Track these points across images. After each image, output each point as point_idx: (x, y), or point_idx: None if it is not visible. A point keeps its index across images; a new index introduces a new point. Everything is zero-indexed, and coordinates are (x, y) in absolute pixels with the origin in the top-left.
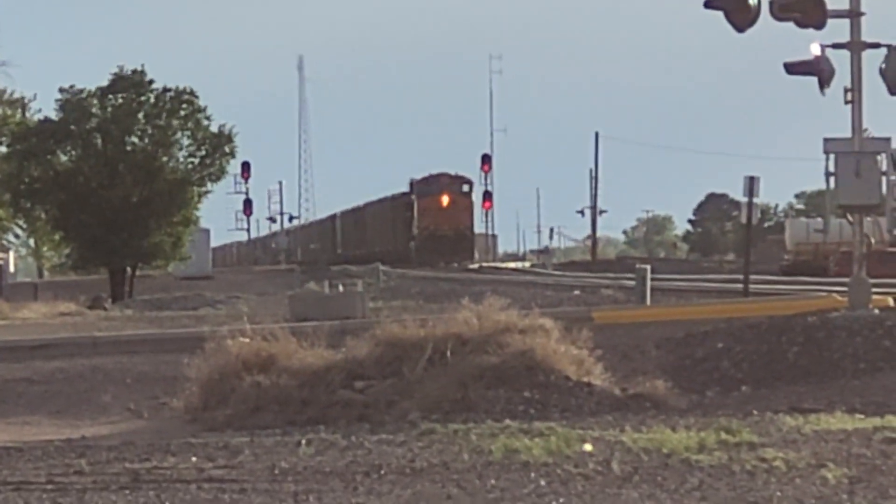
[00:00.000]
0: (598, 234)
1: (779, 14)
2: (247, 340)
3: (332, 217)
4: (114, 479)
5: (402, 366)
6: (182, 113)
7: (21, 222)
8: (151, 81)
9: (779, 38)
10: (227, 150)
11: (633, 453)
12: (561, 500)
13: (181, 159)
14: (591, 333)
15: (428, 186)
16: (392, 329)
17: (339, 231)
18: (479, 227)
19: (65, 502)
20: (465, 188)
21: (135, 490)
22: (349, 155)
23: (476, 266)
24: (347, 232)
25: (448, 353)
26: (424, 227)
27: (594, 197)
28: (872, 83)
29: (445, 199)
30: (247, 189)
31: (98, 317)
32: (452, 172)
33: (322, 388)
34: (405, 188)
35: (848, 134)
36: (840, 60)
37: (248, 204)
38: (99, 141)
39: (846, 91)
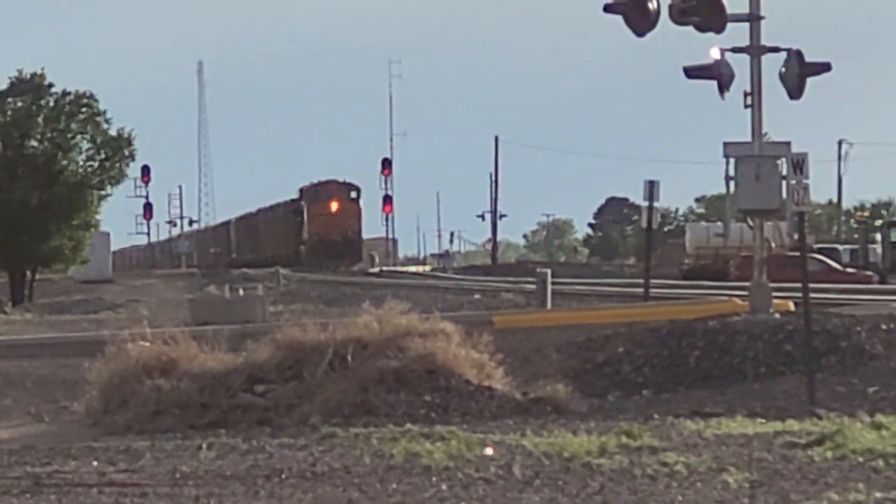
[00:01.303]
0: (499, 238)
1: (678, 18)
2: (147, 344)
3: (227, 223)
4: (15, 482)
5: (303, 369)
6: (81, 116)
7: None
8: (51, 85)
9: (679, 42)
10: (126, 153)
11: (535, 457)
12: None
13: (81, 163)
14: (492, 337)
15: (317, 193)
16: (292, 333)
17: (234, 236)
18: (379, 231)
19: None
20: (353, 194)
21: (36, 494)
22: (250, 159)
23: (376, 270)
24: (241, 237)
25: (349, 357)
26: (314, 233)
27: (494, 201)
28: (772, 87)
29: (334, 206)
30: (147, 193)
31: None
32: (341, 179)
33: (223, 392)
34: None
35: (748, 138)
36: (740, 64)
37: (147, 208)
38: None
39: (746, 95)
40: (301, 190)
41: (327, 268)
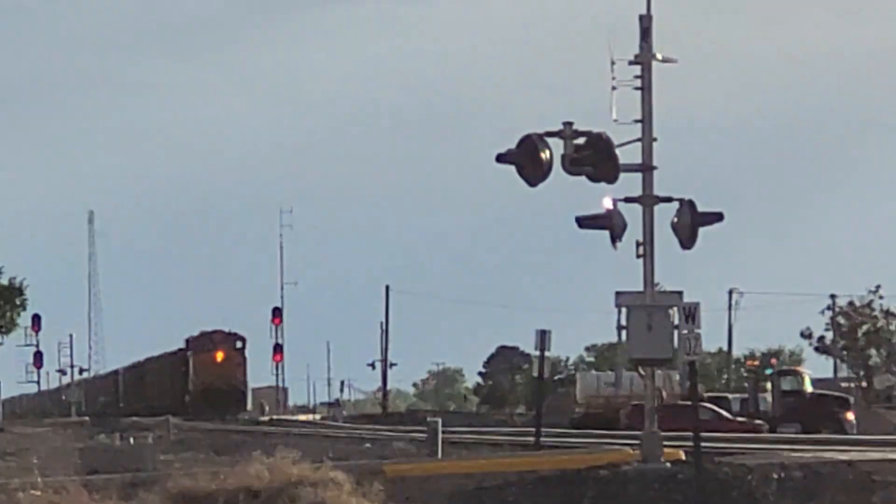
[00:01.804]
0: (389, 386)
1: (570, 168)
2: (38, 493)
3: (116, 372)
4: None
5: None
6: None
7: None
8: None
9: (573, 192)
10: (17, 302)
11: None
12: None
13: None
14: (383, 487)
15: (202, 343)
16: (183, 482)
17: (122, 385)
18: (269, 380)
19: None
20: (238, 344)
21: None
22: (141, 307)
23: (267, 418)
24: (129, 386)
25: None
26: (199, 382)
27: (385, 350)
28: (665, 237)
29: (219, 355)
30: (37, 341)
31: None
32: (227, 330)
33: None
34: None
35: (640, 287)
36: (633, 214)
37: (38, 356)
38: None
39: (638, 245)
40: (187, 340)
41: (213, 416)
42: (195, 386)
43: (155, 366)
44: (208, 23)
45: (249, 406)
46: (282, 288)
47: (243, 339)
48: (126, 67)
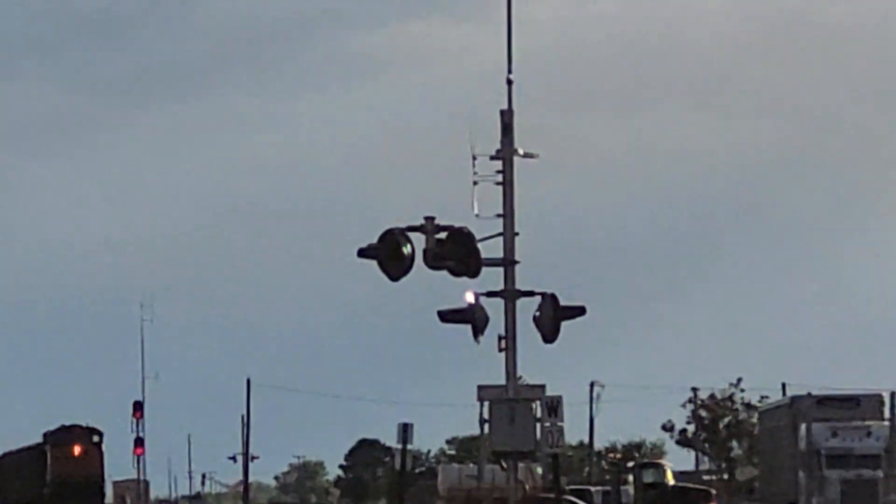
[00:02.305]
0: (251, 479)
1: (433, 262)
2: None
3: None
4: None
5: None
6: None
7: None
8: None
9: (435, 285)
10: None
11: None
12: None
13: None
14: None
15: (60, 437)
16: None
17: None
18: (130, 473)
19: None
20: (96, 438)
21: None
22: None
23: None
24: None
25: None
26: (57, 475)
27: (246, 443)
28: (527, 331)
29: (77, 449)
30: None
31: None
32: (84, 424)
33: None
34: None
35: (502, 381)
36: (495, 308)
37: None
38: None
39: (500, 339)
40: (45, 434)
41: None
42: (53, 479)
43: (13, 460)
44: (62, 119)
45: (109, 499)
46: (143, 381)
47: (100, 434)
48: None
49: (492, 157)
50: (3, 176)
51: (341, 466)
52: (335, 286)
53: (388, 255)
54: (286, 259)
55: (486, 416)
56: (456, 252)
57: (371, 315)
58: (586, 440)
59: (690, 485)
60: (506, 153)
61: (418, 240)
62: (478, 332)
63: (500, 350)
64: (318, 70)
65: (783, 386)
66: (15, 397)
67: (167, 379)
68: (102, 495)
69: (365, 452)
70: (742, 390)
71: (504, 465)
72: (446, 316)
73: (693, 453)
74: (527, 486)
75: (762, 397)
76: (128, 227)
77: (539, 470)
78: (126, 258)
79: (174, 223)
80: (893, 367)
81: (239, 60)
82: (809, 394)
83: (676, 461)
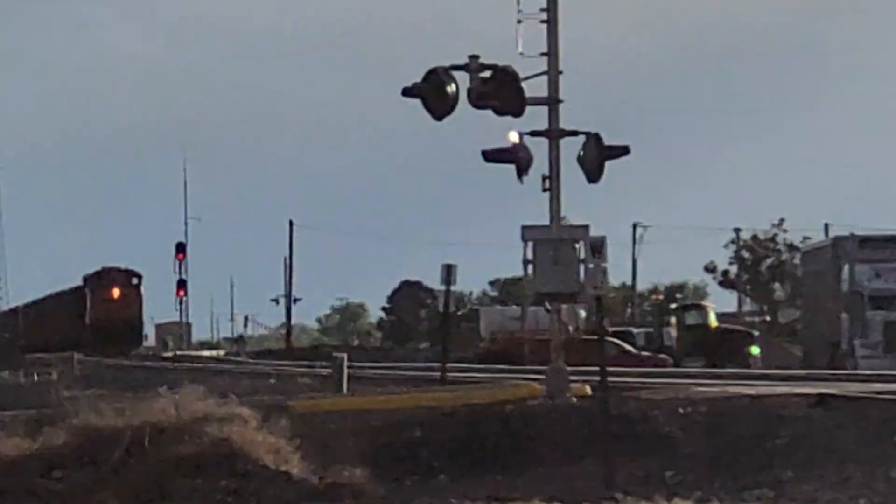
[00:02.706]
0: (293, 321)
1: (477, 102)
2: None
3: (14, 310)
4: None
5: (99, 455)
6: None
7: None
8: None
9: (478, 125)
10: None
11: None
12: None
13: None
14: (289, 422)
15: (99, 280)
16: (88, 418)
17: (21, 322)
18: (173, 315)
19: None
20: (135, 281)
21: None
22: (44, 243)
23: (170, 354)
24: (28, 323)
25: (146, 443)
26: (96, 318)
27: (289, 285)
28: (571, 171)
29: (115, 292)
30: None
31: None
32: (122, 267)
33: (19, 478)
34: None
35: (546, 221)
36: (539, 148)
37: None
38: None
39: (544, 178)
40: (85, 277)
41: (110, 352)
42: (93, 322)
43: (53, 303)
44: None
45: (152, 341)
46: (185, 223)
47: (139, 276)
48: (13, 4)
49: None
50: (42, 14)
51: (383, 308)
52: (380, 126)
53: (433, 93)
54: (331, 98)
55: (529, 256)
56: (500, 91)
57: (415, 155)
58: (629, 282)
59: (733, 326)
60: None
61: (463, 79)
62: (522, 171)
63: (544, 190)
64: None
65: (826, 226)
66: (58, 241)
67: (210, 221)
68: (140, 336)
69: (407, 294)
70: (785, 231)
71: (547, 306)
72: (490, 155)
73: (735, 295)
74: (570, 328)
75: (805, 238)
76: (169, 66)
77: (582, 311)
78: (169, 98)
79: (217, 62)
80: None
81: None
82: (852, 234)
83: (719, 302)
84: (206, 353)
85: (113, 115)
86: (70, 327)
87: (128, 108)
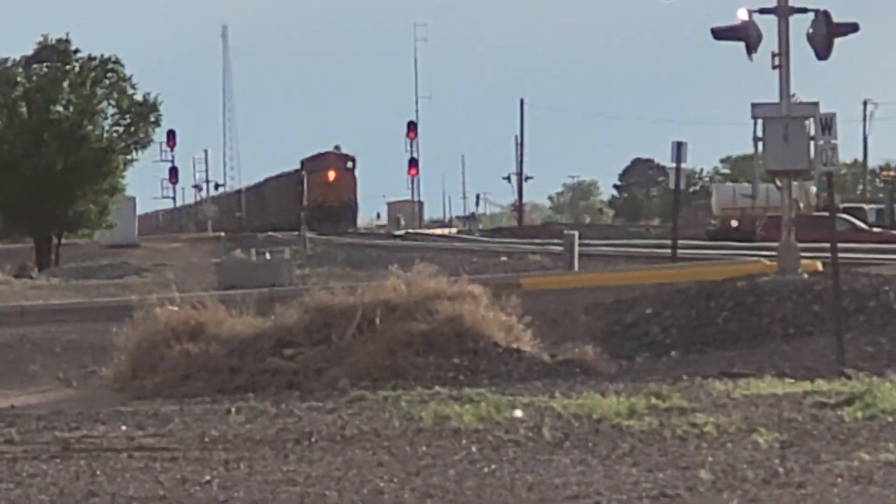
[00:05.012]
0: (525, 200)
1: None
2: (175, 309)
3: (238, 191)
4: (44, 448)
5: (331, 333)
6: (107, 82)
7: None
8: (77, 51)
9: (706, 2)
10: (152, 118)
11: (564, 419)
12: (492, 467)
13: (106, 128)
14: (520, 300)
15: (316, 164)
16: (321, 296)
17: (244, 203)
18: (405, 194)
19: None
20: (349, 164)
21: (66, 459)
22: (275, 122)
23: (402, 232)
24: (250, 204)
25: (377, 320)
26: (313, 200)
27: (520, 163)
28: (800, 48)
29: (331, 175)
30: (172, 157)
31: (24, 285)
32: (338, 151)
33: (251, 356)
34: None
35: (776, 99)
36: (768, 25)
37: (173, 172)
38: (24, 110)
39: (774, 56)
40: (302, 161)
41: (326, 231)
42: (310, 203)
43: (274, 185)
44: None
45: (384, 219)
46: (416, 102)
47: (353, 160)
48: None
49: None
50: None
51: (615, 186)
52: (608, 4)
53: None
54: None
55: (759, 134)
56: None
57: (644, 34)
58: (860, 158)
59: None
60: None
61: None
62: (751, 49)
63: (774, 67)
64: None
65: None
66: (290, 118)
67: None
68: (355, 217)
69: (639, 171)
70: None
71: (778, 183)
72: (720, 33)
73: None
74: (801, 205)
75: None
76: None
77: (813, 188)
78: None
79: None
80: None
81: None
82: None
83: None
84: (438, 231)
85: None
86: (288, 208)
87: None
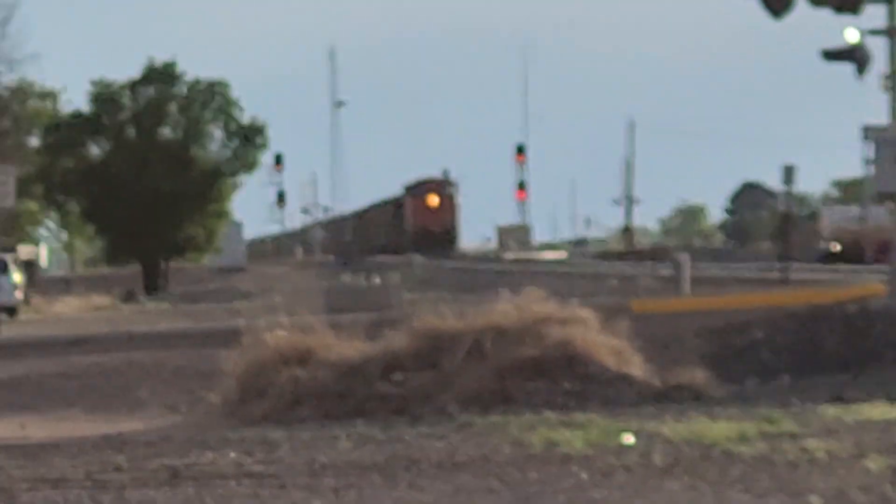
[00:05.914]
0: (634, 223)
1: (815, 0)
2: (284, 333)
3: (345, 216)
4: (152, 475)
5: (440, 358)
6: (214, 105)
7: (53, 215)
8: (183, 73)
9: (815, 23)
10: (258, 141)
11: (674, 445)
12: (602, 493)
13: (213, 151)
14: (630, 324)
15: (417, 190)
16: (429, 321)
17: (351, 228)
18: (514, 218)
19: (104, 499)
20: (450, 190)
21: (174, 486)
22: (382, 145)
23: (511, 257)
24: (357, 228)
25: (486, 345)
26: (413, 224)
27: (629, 186)
28: None
29: (433, 201)
30: (280, 181)
31: (132, 310)
32: (442, 177)
33: (360, 381)
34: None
35: (885, 121)
36: (877, 47)
37: (281, 196)
38: (132, 132)
39: (885, 77)
40: (405, 187)
41: (427, 255)
42: (412, 228)
43: (377, 211)
44: None
45: (494, 243)
46: (526, 125)
47: (454, 185)
48: None
49: None
50: None
51: (726, 210)
52: (718, 26)
53: None
54: None
55: (870, 156)
56: None
57: (754, 56)
58: None
59: None
60: None
61: None
62: (861, 70)
63: (885, 89)
64: None
65: None
66: (398, 140)
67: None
68: (455, 241)
69: (749, 195)
70: None
71: (890, 206)
72: (831, 54)
73: None
74: None
75: None
76: None
77: None
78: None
79: None
80: None
81: None
82: None
83: None
84: (548, 254)
85: (455, 14)
86: (390, 233)
87: (470, 7)
